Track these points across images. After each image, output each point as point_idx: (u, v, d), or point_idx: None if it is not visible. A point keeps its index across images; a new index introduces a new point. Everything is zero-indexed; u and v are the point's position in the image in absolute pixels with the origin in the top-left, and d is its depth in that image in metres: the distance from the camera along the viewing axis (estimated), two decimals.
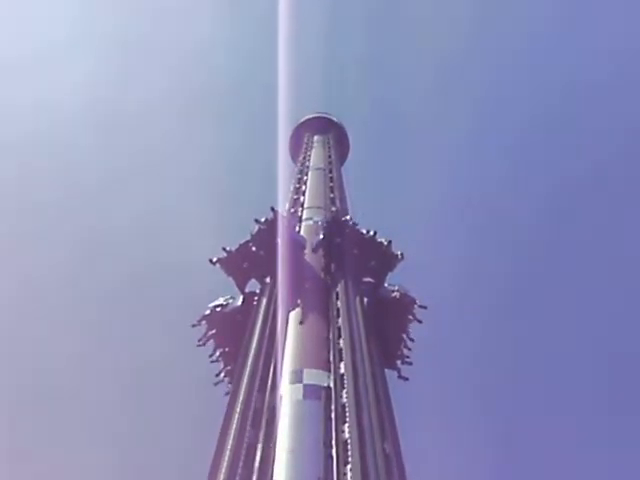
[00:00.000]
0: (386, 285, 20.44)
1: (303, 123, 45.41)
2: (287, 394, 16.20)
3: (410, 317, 19.99)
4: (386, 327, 19.76)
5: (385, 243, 20.36)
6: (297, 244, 20.35)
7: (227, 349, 19.76)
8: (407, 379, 19.91)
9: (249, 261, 19.90)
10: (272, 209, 20.56)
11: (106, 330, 57.06)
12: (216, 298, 20.33)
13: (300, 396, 16.09)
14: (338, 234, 20.45)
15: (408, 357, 20.25)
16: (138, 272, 60.35)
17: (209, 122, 74.63)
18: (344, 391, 16.03)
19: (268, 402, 16.26)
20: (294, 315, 18.71)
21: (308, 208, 29.14)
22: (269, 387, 16.99)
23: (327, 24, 74.27)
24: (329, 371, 16.98)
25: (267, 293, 18.77)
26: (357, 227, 20.90)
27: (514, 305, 66.68)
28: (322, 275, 19.39)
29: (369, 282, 20.55)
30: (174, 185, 67.04)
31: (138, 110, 72.56)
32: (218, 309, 19.91)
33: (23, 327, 54.36)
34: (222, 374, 19.83)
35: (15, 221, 60.72)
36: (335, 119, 46.40)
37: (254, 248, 20.01)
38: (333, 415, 15.25)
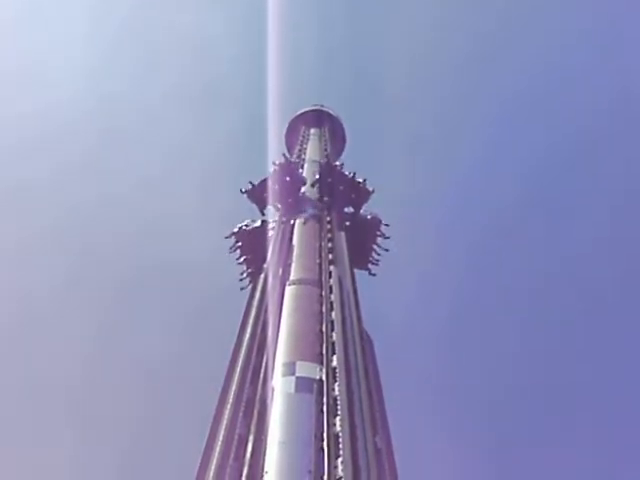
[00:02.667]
0: (362, 212, 28.40)
1: (299, 116, 45.32)
2: (279, 386, 16.22)
3: (378, 232, 27.96)
4: (362, 240, 27.50)
5: (361, 182, 28.42)
6: (300, 180, 27.52)
7: (249, 256, 26.33)
8: (375, 275, 27.62)
9: (267, 192, 27.36)
10: (283, 155, 28.55)
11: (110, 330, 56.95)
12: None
13: (292, 389, 16.10)
14: (329, 175, 28.11)
15: (376, 260, 28.04)
16: (141, 269, 60.55)
17: (204, 117, 74.64)
18: (336, 384, 16.04)
19: (260, 394, 16.29)
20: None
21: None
22: (261, 379, 17.04)
23: (319, 15, 74.54)
24: (321, 364, 17.00)
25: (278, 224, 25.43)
26: (343, 170, 28.82)
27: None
28: (317, 203, 26.62)
29: (350, 211, 28.40)
30: (170, 181, 67.00)
31: (140, 104, 72.71)
32: (243, 227, 26.91)
33: (26, 330, 54.28)
34: (245, 274, 26.19)
35: (17, 219, 60.56)
36: (331, 111, 46.30)
37: (271, 183, 27.24)
38: (325, 408, 15.25)
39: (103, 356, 54.70)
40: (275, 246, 25.01)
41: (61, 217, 62.27)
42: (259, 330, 19.12)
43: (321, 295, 20.57)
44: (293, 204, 26.42)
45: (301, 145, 39.58)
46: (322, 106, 46.19)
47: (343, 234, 26.55)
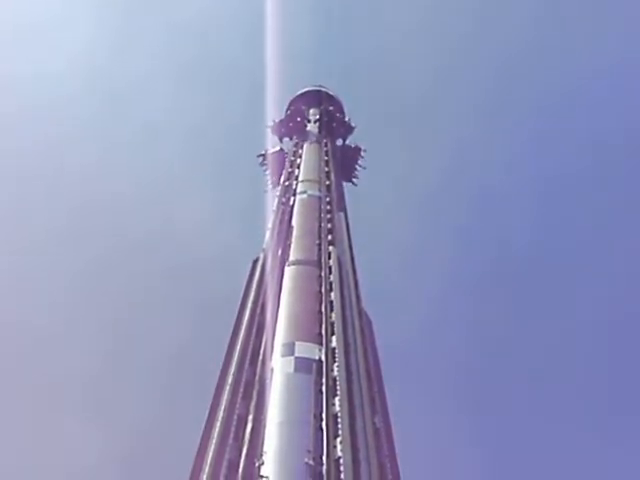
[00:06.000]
0: (348, 142, 39.82)
1: (298, 96, 45.10)
2: (278, 367, 16.24)
3: (359, 156, 39.03)
4: (348, 161, 38.49)
5: (347, 120, 40.19)
6: (306, 119, 39.01)
7: (273, 169, 36.37)
8: (356, 185, 38.59)
9: (285, 128, 38.98)
10: (291, 104, 40.52)
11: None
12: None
13: (291, 369, 16.13)
14: (326, 115, 39.06)
15: (357, 175, 38.77)
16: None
17: (204, 93, 74.35)
18: (335, 364, 16.06)
19: (259, 374, 16.32)
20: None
21: (303, 181, 29.24)
22: (260, 359, 17.06)
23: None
24: (320, 344, 17.02)
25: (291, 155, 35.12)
26: (335, 112, 40.02)
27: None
28: (318, 135, 36.99)
29: (340, 143, 39.59)
30: (178, 180, 66.79)
31: (135, 78, 72.24)
32: (268, 151, 37.64)
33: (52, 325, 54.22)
34: (269, 183, 36.36)
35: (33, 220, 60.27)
36: (331, 92, 46.00)
37: (286, 122, 39.25)
38: (324, 388, 15.28)
39: (116, 351, 54.67)
40: (274, 227, 25.02)
41: (73, 217, 61.94)
42: (258, 311, 19.12)
43: (320, 276, 20.58)
44: (301, 136, 37.12)
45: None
46: (321, 86, 45.88)
47: (342, 215, 27.82)
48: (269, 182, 36.91)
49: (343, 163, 37.55)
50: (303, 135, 37.19)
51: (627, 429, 54.16)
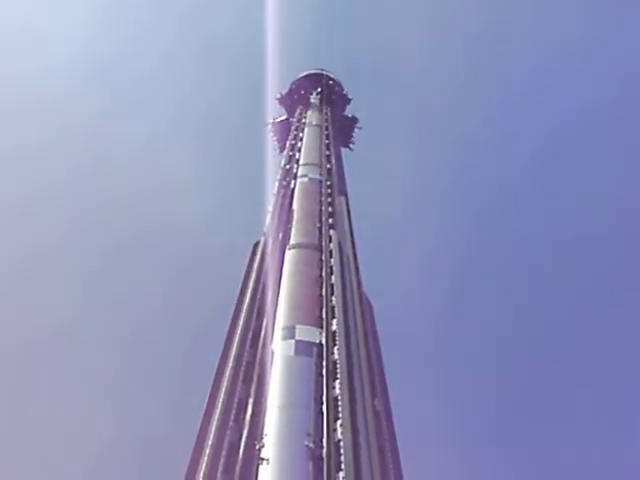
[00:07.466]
0: (346, 113, 44.52)
1: (299, 78, 45.12)
2: (279, 350, 16.28)
3: (355, 125, 44.12)
4: (345, 128, 43.32)
5: (345, 92, 44.87)
6: (308, 91, 43.28)
7: (279, 136, 41.11)
8: (352, 149, 43.38)
9: (290, 100, 43.11)
10: (293, 84, 44.09)
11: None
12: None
13: (292, 352, 16.17)
14: (326, 89, 43.30)
15: (353, 142, 43.60)
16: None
17: (203, 77, 74.33)
18: (335, 348, 16.10)
19: (260, 358, 16.36)
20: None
21: (303, 165, 29.20)
22: (261, 343, 17.09)
23: None
24: (321, 328, 17.05)
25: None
26: (334, 86, 44.44)
27: None
28: (320, 106, 41.18)
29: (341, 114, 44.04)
30: (169, 145, 66.84)
31: (135, 49, 72.50)
32: (276, 120, 42.46)
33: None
34: (277, 148, 40.21)
35: (16, 183, 60.20)
36: (332, 74, 45.96)
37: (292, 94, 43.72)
38: (324, 372, 15.33)
39: (98, 314, 54.72)
40: (275, 210, 25.00)
41: (60, 180, 62.13)
42: (259, 294, 19.15)
43: (321, 259, 20.60)
44: (304, 107, 41.20)
45: (301, 109, 40.15)
46: (322, 70, 45.84)
47: (343, 198, 27.77)
48: (277, 147, 41.01)
49: (341, 132, 42.10)
50: (306, 106, 41.22)
51: (623, 425, 54.28)
